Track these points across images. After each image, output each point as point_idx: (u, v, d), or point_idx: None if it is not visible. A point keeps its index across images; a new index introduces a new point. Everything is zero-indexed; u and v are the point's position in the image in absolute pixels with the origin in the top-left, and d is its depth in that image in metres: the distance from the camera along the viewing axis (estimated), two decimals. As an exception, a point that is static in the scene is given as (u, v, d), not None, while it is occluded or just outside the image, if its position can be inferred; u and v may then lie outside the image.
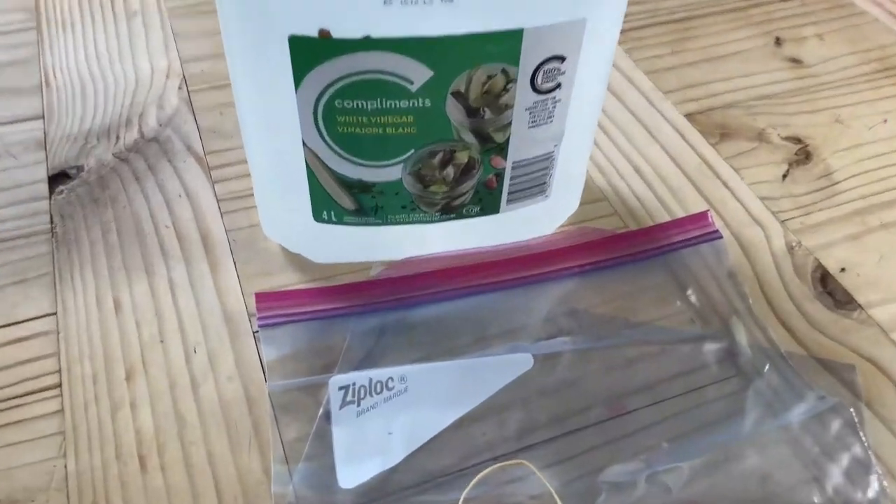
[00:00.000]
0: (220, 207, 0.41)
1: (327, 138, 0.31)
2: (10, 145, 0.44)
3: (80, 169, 0.42)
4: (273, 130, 0.32)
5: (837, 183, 0.43)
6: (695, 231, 0.39)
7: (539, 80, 0.31)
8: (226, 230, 0.40)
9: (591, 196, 0.42)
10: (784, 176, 0.44)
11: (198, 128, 0.45)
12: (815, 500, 0.30)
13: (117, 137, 0.44)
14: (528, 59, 0.30)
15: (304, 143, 0.31)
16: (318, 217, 0.35)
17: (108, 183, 0.42)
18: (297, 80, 0.29)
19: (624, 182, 0.43)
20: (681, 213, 0.41)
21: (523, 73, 0.30)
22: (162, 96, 0.47)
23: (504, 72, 0.30)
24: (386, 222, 0.35)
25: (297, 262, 0.38)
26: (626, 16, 0.55)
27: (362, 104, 0.30)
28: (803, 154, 0.45)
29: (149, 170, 0.43)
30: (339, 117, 0.30)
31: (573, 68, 0.31)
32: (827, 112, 0.48)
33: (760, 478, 0.31)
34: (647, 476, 0.30)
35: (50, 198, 0.41)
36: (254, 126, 0.33)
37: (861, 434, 0.32)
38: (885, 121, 0.47)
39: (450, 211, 0.35)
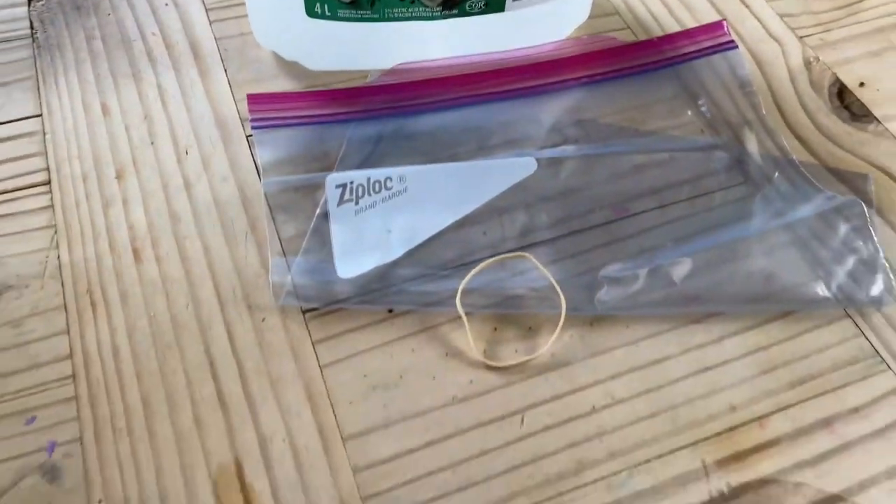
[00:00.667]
0: (208, 16, 0.39)
1: (320, -90, 0.29)
2: (-17, -48, 0.41)
3: (59, -23, 0.40)
4: None
5: (861, 0, 0.41)
6: (709, 41, 0.37)
7: None
8: (215, 38, 0.38)
9: (602, 9, 0.40)
10: (805, -7, 0.41)
11: (183, -62, 0.42)
12: (819, 294, 0.30)
13: (98, -54, 0.42)
14: None
15: (295, -82, 0.29)
16: (311, 12, 0.33)
17: (90, -9, 0.39)
18: None
19: (636, -4, 0.41)
20: (694, 24, 0.39)
21: None
22: None
23: None
24: (383, 17, 0.33)
25: (291, 69, 0.36)
26: None
27: None
28: (827, -28, 0.42)
29: (133, -21, 0.40)
30: None
31: None
32: (855, -69, 0.45)
33: (766, 276, 0.30)
34: (650, 269, 0.30)
35: (29, 4, 0.39)
36: None
37: (871, 231, 0.31)
38: (916, -60, 0.44)
39: (452, 5, 0.33)
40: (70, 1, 0.39)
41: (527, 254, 0.30)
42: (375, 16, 0.33)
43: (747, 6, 0.41)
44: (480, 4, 0.33)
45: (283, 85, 0.36)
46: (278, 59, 0.37)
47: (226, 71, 0.36)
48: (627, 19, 0.40)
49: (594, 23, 0.39)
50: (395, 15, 0.33)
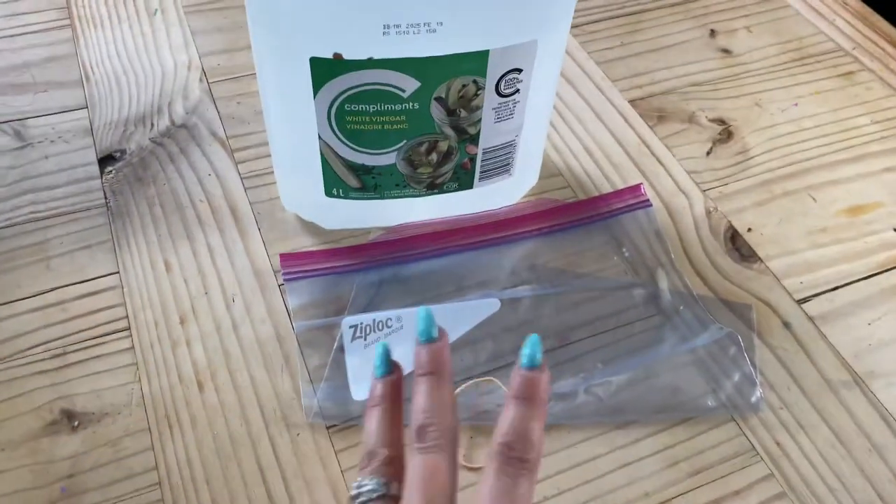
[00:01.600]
0: (243, 184, 0.49)
1: (338, 133, 0.40)
2: (61, 132, 0.52)
3: (123, 152, 0.51)
4: (295, 128, 0.40)
5: (751, 158, 0.53)
6: (630, 200, 0.49)
7: (502, 87, 0.39)
8: (250, 203, 0.48)
9: (548, 172, 0.51)
10: (708, 153, 0.53)
11: (219, 115, 0.53)
12: (710, 404, 0.40)
13: (152, 124, 0.53)
14: (493, 72, 0.38)
15: (319, 137, 0.40)
16: (328, 193, 0.44)
17: (149, 164, 0.50)
18: (316, 90, 0.38)
19: (576, 160, 0.52)
20: (621, 185, 0.50)
21: (490, 82, 0.39)
22: (186, 87, 0.55)
23: (475, 82, 0.38)
24: (383, 197, 0.44)
25: (309, 228, 0.47)
26: (582, 11, 0.64)
27: (365, 107, 0.38)
28: (726, 134, 0.54)
29: (181, 153, 0.51)
30: (348, 117, 0.39)
31: (528, 77, 0.40)
32: (749, 97, 0.57)
33: (672, 390, 0.41)
34: (585, 388, 0.40)
35: (101, 177, 0.49)
36: (278, 124, 0.41)
37: (746, 356, 0.42)
38: (796, 104, 0.57)
39: (433, 187, 0.44)
40: (133, 173, 0.50)
41: (493, 378, 0.40)
42: (378, 196, 0.44)
43: (662, 164, 0.52)
44: (454, 185, 0.44)
45: (303, 240, 0.47)
46: (300, 219, 0.47)
47: (259, 230, 0.47)
48: (568, 178, 0.51)
49: (541, 183, 0.50)
50: (393, 194, 0.44)
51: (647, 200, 0.48)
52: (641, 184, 0.49)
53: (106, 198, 0.48)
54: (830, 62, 0.60)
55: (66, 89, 0.55)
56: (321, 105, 0.38)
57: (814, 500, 0.37)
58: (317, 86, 0.37)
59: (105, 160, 0.50)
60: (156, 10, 0.61)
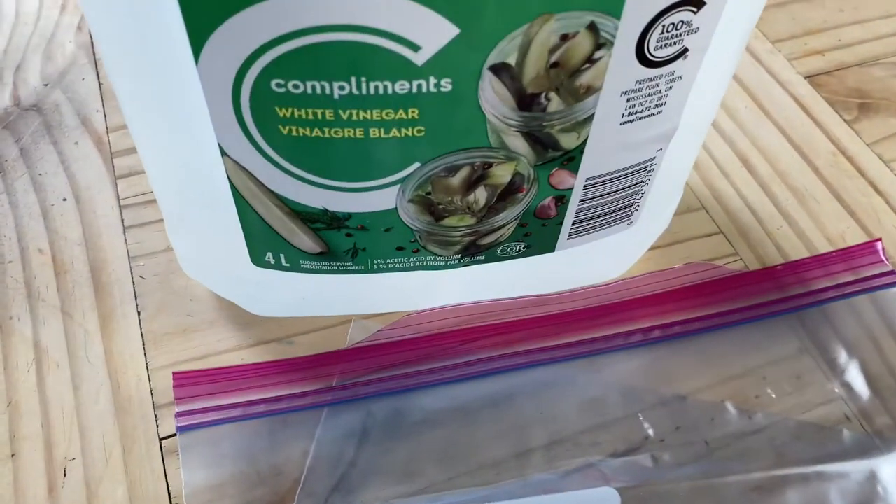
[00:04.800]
0: (122, 217, 0.27)
1: (261, 144, 0.17)
2: None
3: (-83, 153, 0.28)
4: (172, 132, 0.18)
5: None
6: (849, 274, 0.26)
7: (652, 42, 0.16)
8: (129, 256, 0.26)
9: (684, 203, 0.28)
10: (960, 173, 0.30)
11: (100, 89, 0.31)
12: None
13: (-21, 103, 0.30)
14: (639, 6, 0.15)
15: (221, 152, 0.18)
16: (258, 261, 0.21)
17: (-42, 177, 0.28)
18: (196, 46, 0.15)
19: (728, 182, 0.29)
20: (814, 232, 0.27)
21: (627, 30, 0.16)
22: (52, 39, 0.33)
23: (593, 28, 0.16)
24: (370, 269, 0.21)
25: (232, 311, 0.25)
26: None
27: (323, 87, 0.16)
28: (981, 137, 0.31)
29: (20, 155, 0.29)
30: (281, 109, 0.16)
31: (712, 23, 0.17)
32: None
33: None
34: None
35: None
36: (141, 125, 0.19)
37: None
38: None
39: (476, 252, 0.21)
40: (-75, 194, 0.27)
41: None
42: (358, 268, 0.21)
43: (881, 193, 0.29)
44: (519, 248, 0.21)
45: (219, 336, 0.24)
46: (213, 294, 0.25)
47: (139, 314, 0.25)
48: (716, 214, 0.28)
49: (671, 223, 0.27)
50: (388, 266, 0.21)
51: (891, 272, 0.25)
52: (879, 240, 0.26)
53: None
54: None
55: None
56: (215, 80, 0.16)
57: None
58: (197, 36, 0.15)
59: None
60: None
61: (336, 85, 0.16)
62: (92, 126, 0.30)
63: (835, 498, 0.21)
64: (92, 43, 0.33)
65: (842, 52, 0.34)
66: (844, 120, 0.31)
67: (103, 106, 0.30)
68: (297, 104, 0.16)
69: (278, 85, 0.16)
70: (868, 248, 0.25)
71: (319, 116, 0.16)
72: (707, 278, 0.25)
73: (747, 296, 0.25)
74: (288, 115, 0.16)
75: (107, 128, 0.30)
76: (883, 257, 0.25)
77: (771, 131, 0.31)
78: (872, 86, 0.33)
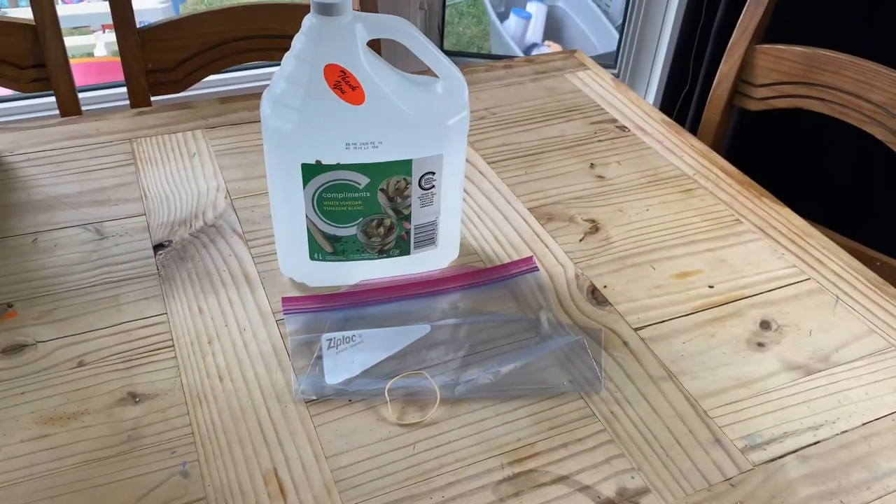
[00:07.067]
0: (253, 260, 0.71)
1: (318, 212, 0.62)
2: (127, 230, 0.74)
3: (170, 242, 0.73)
4: (291, 211, 0.63)
5: (612, 243, 0.75)
6: (524, 267, 0.70)
7: (423, 183, 0.62)
8: (258, 272, 0.70)
9: (467, 251, 0.73)
10: (581, 240, 0.75)
11: (238, 219, 0.76)
12: (567, 385, 0.59)
13: (190, 225, 0.75)
14: (416, 173, 0.61)
15: (306, 216, 0.62)
16: (312, 257, 0.65)
17: (188, 249, 0.72)
18: (304, 184, 0.60)
19: (488, 244, 0.74)
20: (513, 254, 0.72)
21: (414, 179, 0.62)
22: (215, 202, 0.78)
23: (405, 179, 0.61)
24: (348, 259, 0.65)
25: (298, 287, 0.68)
26: (498, 151, 0.89)
27: (336, 195, 0.61)
28: (594, 228, 0.77)
29: (210, 242, 0.73)
30: (324, 202, 0.61)
31: (440, 177, 0.63)
32: (614, 205, 0.81)
33: (541, 377, 0.60)
34: (483, 375, 0.59)
35: (154, 257, 0.71)
36: (280, 209, 0.64)
37: (591, 355, 0.61)
38: (648, 209, 0.80)
39: (383, 253, 0.66)
40: (177, 255, 0.71)
41: (423, 371, 0.60)
42: (344, 258, 0.65)
43: (548, 248, 0.74)
44: (397, 252, 0.66)
45: (294, 294, 0.67)
46: (292, 281, 0.68)
47: (264, 288, 0.68)
48: (481, 255, 0.73)
49: (462, 259, 0.72)
50: (354, 258, 0.65)
51: (536, 267, 0.70)
52: (532, 256, 0.71)
53: (158, 269, 0.70)
54: (676, 183, 0.84)
55: (131, 203, 0.78)
56: (308, 194, 0.61)
57: (632, 444, 0.56)
58: (305, 181, 0.60)
59: (157, 247, 0.72)
60: (194, 153, 0.85)
61: (339, 194, 0.61)
62: (237, 231, 0.74)
63: (503, 330, 0.64)
64: (231, 202, 0.78)
65: (545, 199, 0.81)
66: (540, 223, 0.77)
67: (240, 225, 0.75)
68: (328, 200, 0.61)
69: (324, 194, 0.61)
70: (530, 259, 0.70)
71: (335, 203, 0.61)
72: (470, 269, 0.69)
73: (486, 275, 0.69)
74: (326, 203, 0.61)
75: (242, 231, 0.74)
76: (534, 262, 0.70)
77: (509, 228, 0.77)
78: (554, 212, 0.79)
